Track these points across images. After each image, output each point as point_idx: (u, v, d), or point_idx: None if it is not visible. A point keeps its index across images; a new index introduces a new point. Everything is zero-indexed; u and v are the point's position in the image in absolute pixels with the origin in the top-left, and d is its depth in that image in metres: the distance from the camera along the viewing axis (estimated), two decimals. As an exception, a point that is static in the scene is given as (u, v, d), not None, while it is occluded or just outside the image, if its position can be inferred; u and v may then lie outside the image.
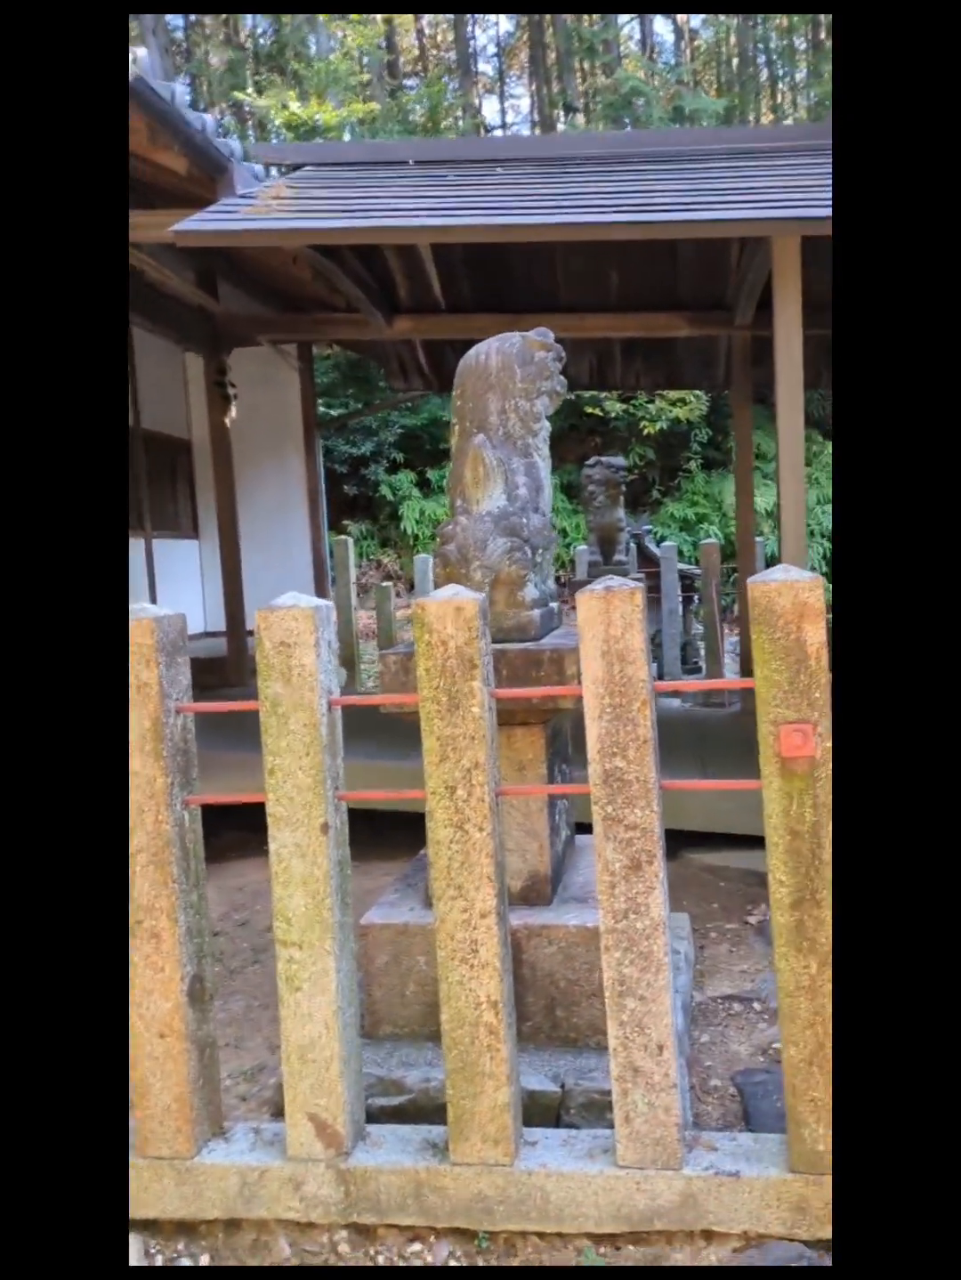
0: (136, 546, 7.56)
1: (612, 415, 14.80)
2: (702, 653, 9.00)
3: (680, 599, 8.99)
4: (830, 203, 4.24)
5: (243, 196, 4.54)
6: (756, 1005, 3.21)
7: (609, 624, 2.17)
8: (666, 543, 9.27)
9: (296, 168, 5.33)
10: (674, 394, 14.48)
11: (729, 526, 14.48)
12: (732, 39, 23.64)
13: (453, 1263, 2.22)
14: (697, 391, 14.50)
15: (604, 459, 7.90)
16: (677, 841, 4.83)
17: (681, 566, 9.05)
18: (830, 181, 4.44)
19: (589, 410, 14.95)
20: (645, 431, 14.80)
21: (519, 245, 5.93)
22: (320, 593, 8.56)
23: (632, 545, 8.40)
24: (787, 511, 4.29)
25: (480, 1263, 2.21)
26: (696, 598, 9.18)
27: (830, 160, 4.80)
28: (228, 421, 7.36)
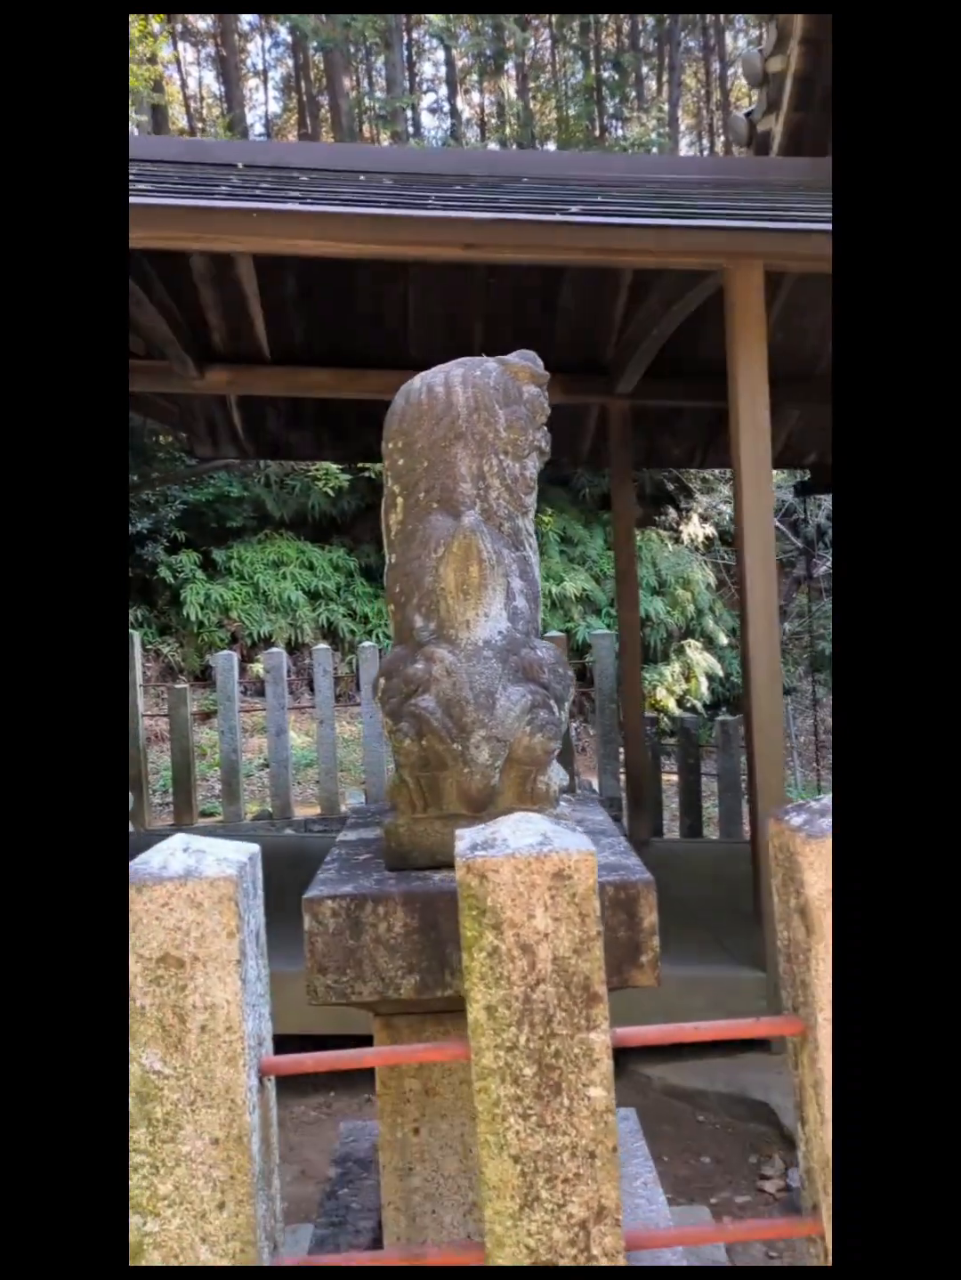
0: None
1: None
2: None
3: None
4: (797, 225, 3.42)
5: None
6: None
7: None
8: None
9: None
10: (480, 473, 13.77)
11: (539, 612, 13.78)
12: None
13: None
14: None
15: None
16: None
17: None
18: (791, 213, 3.64)
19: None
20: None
21: (367, 285, 4.89)
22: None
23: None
24: (755, 611, 3.36)
25: None
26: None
27: (784, 196, 4.04)
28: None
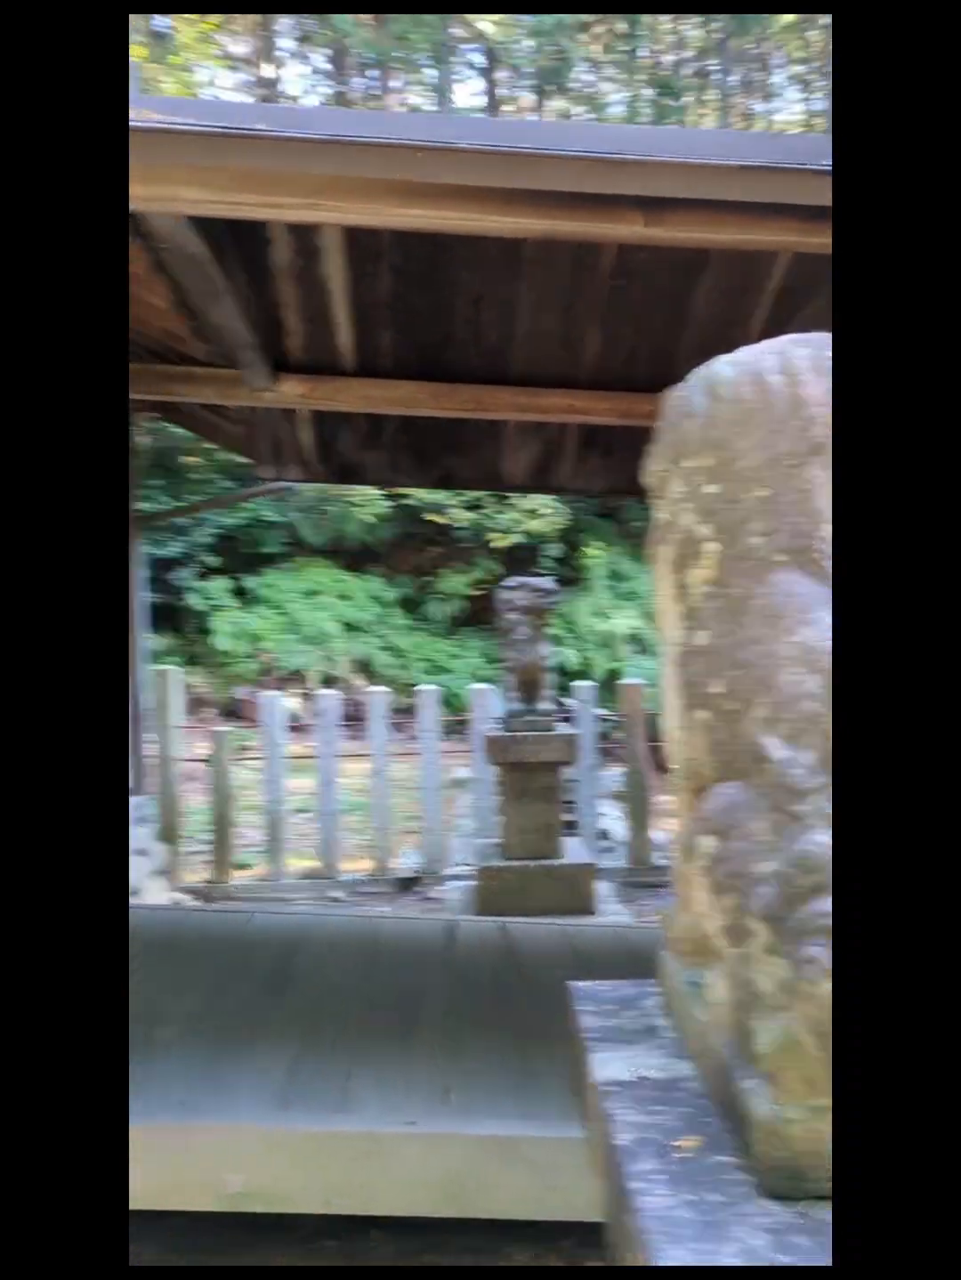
0: None
1: (458, 524, 13.25)
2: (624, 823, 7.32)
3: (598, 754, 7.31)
4: None
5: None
6: None
7: None
8: (583, 682, 7.57)
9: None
10: (528, 504, 13.15)
11: (586, 650, 13.11)
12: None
13: None
14: (557, 503, 13.26)
15: (528, 579, 6.17)
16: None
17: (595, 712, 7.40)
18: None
19: (430, 517, 13.36)
20: (493, 544, 13.31)
21: (472, 286, 4.25)
22: (131, 736, 6.34)
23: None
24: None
25: None
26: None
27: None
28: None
